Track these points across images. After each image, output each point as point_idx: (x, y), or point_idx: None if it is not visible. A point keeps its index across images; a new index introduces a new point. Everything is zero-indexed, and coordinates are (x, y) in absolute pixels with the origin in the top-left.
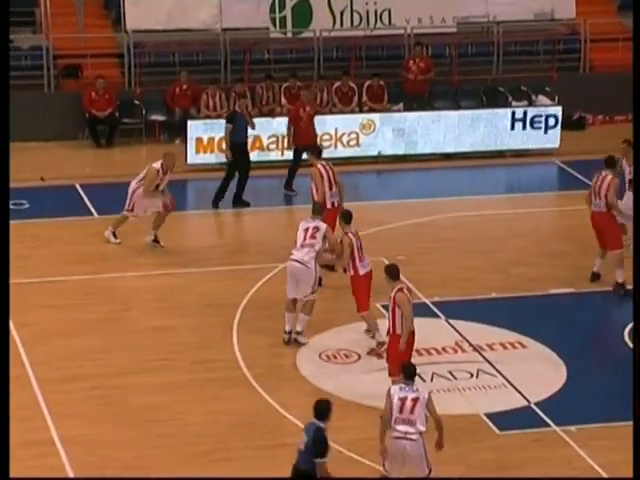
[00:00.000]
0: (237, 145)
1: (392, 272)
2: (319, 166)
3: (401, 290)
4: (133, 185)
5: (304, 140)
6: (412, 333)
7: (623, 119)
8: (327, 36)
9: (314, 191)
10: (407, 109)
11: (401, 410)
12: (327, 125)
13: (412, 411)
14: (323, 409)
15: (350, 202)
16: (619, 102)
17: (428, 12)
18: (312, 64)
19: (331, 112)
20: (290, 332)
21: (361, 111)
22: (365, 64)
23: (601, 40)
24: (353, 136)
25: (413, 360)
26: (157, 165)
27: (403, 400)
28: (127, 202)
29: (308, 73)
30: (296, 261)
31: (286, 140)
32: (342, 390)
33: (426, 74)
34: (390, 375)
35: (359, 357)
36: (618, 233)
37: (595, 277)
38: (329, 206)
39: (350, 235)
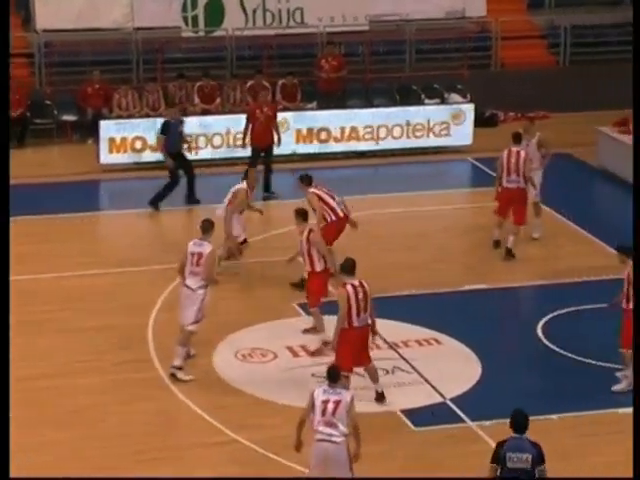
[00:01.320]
0: (173, 155)
1: (300, 214)
2: (314, 190)
3: (312, 230)
4: (220, 213)
5: (261, 141)
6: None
7: (534, 115)
8: (239, 35)
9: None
10: (320, 107)
11: (323, 412)
12: (241, 124)
13: (334, 413)
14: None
15: (265, 201)
16: (530, 99)
17: (340, 11)
18: (225, 63)
19: (244, 111)
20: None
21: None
22: (278, 63)
23: (511, 38)
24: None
25: (329, 358)
26: (243, 185)
27: (325, 402)
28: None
29: (221, 72)
30: (186, 286)
31: (242, 140)
32: (258, 389)
33: (338, 72)
34: (310, 306)
35: (275, 356)
36: (526, 209)
37: (497, 244)
38: (342, 215)
39: (349, 287)
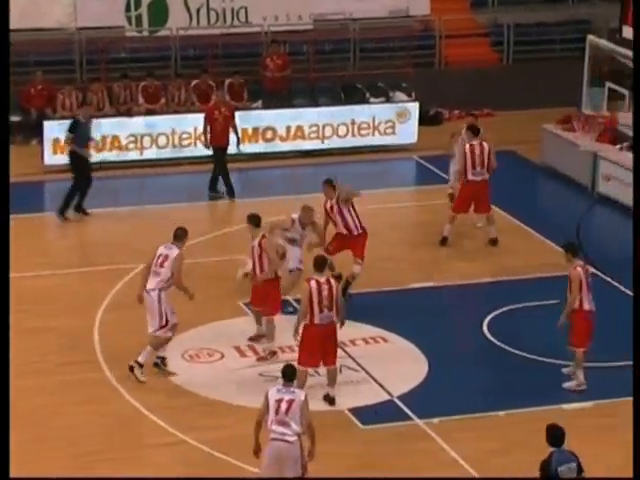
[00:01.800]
0: (79, 155)
1: (253, 220)
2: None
3: (264, 237)
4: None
5: (220, 141)
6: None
7: (478, 114)
8: (184, 34)
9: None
10: (266, 107)
11: (277, 411)
12: (186, 124)
13: (287, 412)
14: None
15: (212, 200)
16: (474, 97)
17: (284, 10)
18: (169, 62)
19: (189, 111)
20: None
21: None
22: (222, 62)
23: (455, 36)
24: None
25: (279, 358)
26: (295, 215)
27: (279, 402)
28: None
29: (165, 72)
30: (145, 290)
31: (202, 140)
32: (206, 389)
33: (283, 71)
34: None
35: (222, 355)
36: (489, 198)
37: (444, 241)
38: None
39: (313, 283)
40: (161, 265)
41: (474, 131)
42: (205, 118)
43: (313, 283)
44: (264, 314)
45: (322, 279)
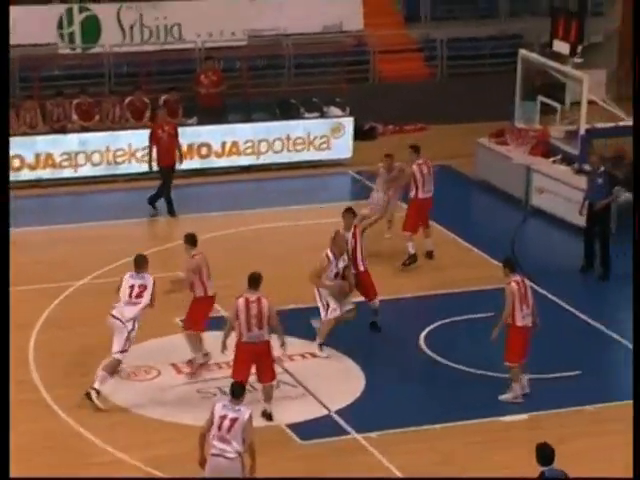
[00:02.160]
0: None
1: (189, 240)
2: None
3: (194, 256)
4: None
5: (167, 160)
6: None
7: (412, 128)
8: (117, 51)
9: None
10: (201, 123)
11: (220, 428)
12: (121, 141)
13: (229, 430)
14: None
15: (146, 218)
16: (408, 112)
17: (218, 26)
18: (103, 79)
19: (124, 128)
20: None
21: None
22: (157, 79)
23: (389, 51)
24: (147, 151)
25: (214, 374)
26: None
27: (223, 418)
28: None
29: (99, 89)
30: (113, 316)
31: (148, 162)
32: (143, 407)
33: (218, 87)
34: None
35: (159, 373)
36: None
37: (430, 255)
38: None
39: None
40: (139, 296)
41: (417, 150)
42: (150, 138)
43: (241, 301)
44: (184, 327)
45: (252, 297)
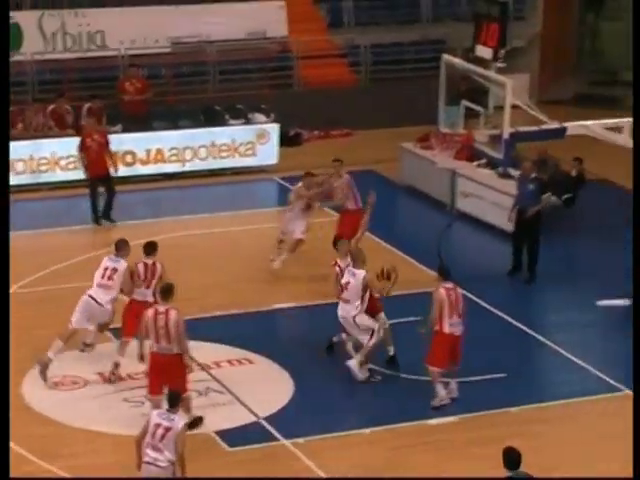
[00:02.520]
0: None
1: (148, 247)
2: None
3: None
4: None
5: (97, 170)
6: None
7: (338, 133)
8: (40, 59)
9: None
10: (125, 130)
11: (153, 436)
12: (44, 149)
13: (162, 439)
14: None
15: (72, 226)
16: (333, 117)
17: (142, 33)
18: (26, 87)
19: (47, 136)
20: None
21: (78, 134)
22: (80, 86)
23: (313, 57)
24: (72, 159)
25: (141, 382)
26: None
27: (157, 426)
28: None
29: (22, 97)
30: (91, 297)
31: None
32: (69, 416)
33: (143, 95)
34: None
35: (86, 382)
36: None
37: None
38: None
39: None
40: (109, 278)
41: (339, 162)
42: (79, 147)
43: (150, 311)
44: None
45: (162, 308)
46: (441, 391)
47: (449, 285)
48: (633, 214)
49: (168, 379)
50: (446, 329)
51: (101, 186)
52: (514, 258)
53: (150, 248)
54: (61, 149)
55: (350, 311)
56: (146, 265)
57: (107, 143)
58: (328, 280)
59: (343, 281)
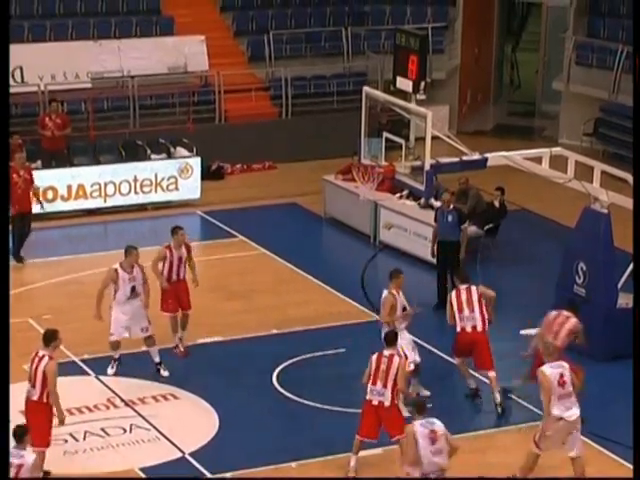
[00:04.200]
0: None
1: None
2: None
3: (51, 358)
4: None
5: (22, 207)
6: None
7: (260, 167)
8: None
9: None
10: (45, 167)
11: (15, 476)
12: None
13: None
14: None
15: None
16: (256, 150)
17: (62, 68)
18: None
19: None
20: None
21: None
22: None
23: (234, 91)
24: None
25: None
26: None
27: (13, 466)
28: None
29: None
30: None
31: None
32: None
33: (63, 130)
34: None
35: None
36: None
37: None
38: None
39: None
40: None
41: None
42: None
43: (33, 355)
44: None
45: (41, 353)
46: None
47: (387, 352)
48: (633, 215)
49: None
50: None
51: (21, 223)
52: (439, 292)
53: (48, 338)
54: None
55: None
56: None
57: (32, 179)
58: (254, 314)
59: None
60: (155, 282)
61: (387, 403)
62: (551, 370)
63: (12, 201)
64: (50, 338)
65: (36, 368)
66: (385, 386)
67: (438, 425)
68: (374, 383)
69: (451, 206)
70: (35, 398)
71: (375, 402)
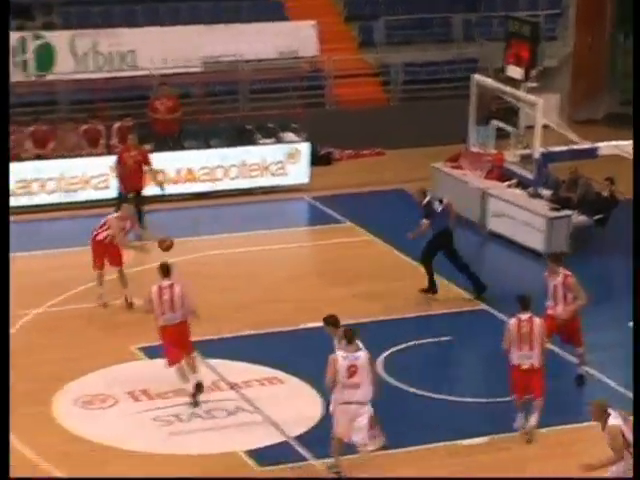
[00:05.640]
0: None
1: (162, 270)
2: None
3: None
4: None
5: (129, 186)
6: None
7: (369, 153)
8: (71, 78)
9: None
10: (157, 150)
11: None
12: (76, 168)
13: None
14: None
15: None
16: (364, 136)
17: (173, 52)
18: (57, 107)
19: (79, 155)
20: None
21: (110, 153)
22: (112, 106)
23: (345, 76)
24: (103, 179)
25: (171, 401)
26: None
27: None
28: None
29: (54, 116)
30: None
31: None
32: (100, 435)
33: (174, 114)
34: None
35: (116, 401)
36: None
37: None
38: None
39: (154, 288)
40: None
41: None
42: (117, 161)
43: (154, 289)
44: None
45: (164, 283)
46: (518, 420)
47: (524, 316)
48: (633, 214)
49: (179, 346)
50: (514, 361)
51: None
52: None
53: (167, 269)
54: (92, 168)
55: None
56: (161, 289)
57: (146, 161)
58: (357, 298)
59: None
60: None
61: (537, 364)
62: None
63: (122, 179)
64: (169, 269)
65: (172, 295)
66: (532, 348)
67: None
68: (520, 349)
69: (424, 201)
70: (177, 321)
71: (525, 366)
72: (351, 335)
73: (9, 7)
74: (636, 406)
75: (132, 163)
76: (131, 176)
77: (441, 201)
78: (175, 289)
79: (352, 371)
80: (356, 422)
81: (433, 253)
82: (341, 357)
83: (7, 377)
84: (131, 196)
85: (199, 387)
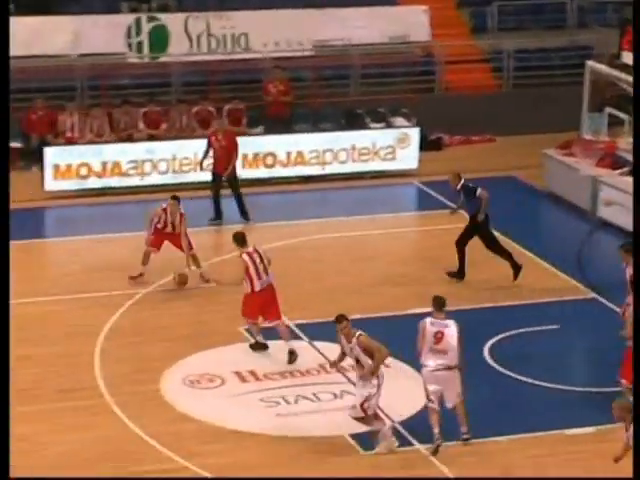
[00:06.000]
0: None
1: (238, 239)
2: (244, 257)
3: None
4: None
5: (218, 167)
6: None
7: (479, 139)
8: (184, 60)
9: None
10: (267, 132)
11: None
12: (187, 149)
13: None
14: None
15: (212, 226)
16: (475, 122)
17: (285, 36)
18: (170, 88)
19: (190, 137)
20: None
21: None
22: (224, 88)
23: (456, 62)
24: (212, 161)
25: (278, 383)
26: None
27: None
28: None
29: (167, 97)
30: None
31: (200, 163)
32: (207, 415)
33: (285, 97)
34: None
35: (223, 381)
36: None
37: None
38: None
39: (245, 256)
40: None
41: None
42: (207, 143)
43: (246, 256)
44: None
45: (250, 249)
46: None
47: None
48: (633, 214)
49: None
50: None
51: (227, 186)
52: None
53: (242, 238)
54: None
55: None
56: (251, 254)
57: (233, 144)
58: (464, 285)
59: None
60: None
61: None
62: None
63: (213, 161)
64: (245, 237)
65: (262, 258)
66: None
67: None
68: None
69: (458, 186)
70: (267, 285)
71: None
72: (440, 302)
73: (8, 5)
74: (636, 406)
75: (218, 148)
76: (219, 159)
77: (475, 191)
78: (260, 251)
79: (438, 337)
80: (447, 389)
81: (468, 237)
82: (429, 323)
83: (7, 377)
84: (225, 179)
85: (292, 354)
